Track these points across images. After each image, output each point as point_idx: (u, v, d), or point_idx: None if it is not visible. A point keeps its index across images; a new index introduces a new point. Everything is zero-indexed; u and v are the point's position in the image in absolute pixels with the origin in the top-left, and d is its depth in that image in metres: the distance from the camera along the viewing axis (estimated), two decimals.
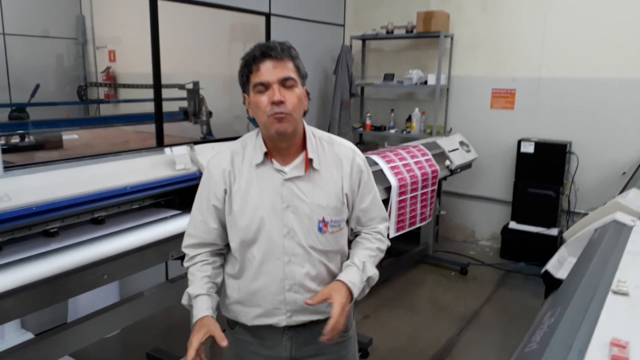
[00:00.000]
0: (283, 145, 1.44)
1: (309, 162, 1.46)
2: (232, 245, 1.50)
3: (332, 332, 1.38)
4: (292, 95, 1.38)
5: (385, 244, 1.61)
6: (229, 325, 1.60)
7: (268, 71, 1.35)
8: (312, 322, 1.52)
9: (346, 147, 1.55)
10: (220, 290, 1.57)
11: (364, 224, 1.58)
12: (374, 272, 1.51)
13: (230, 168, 1.46)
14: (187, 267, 1.53)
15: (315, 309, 1.49)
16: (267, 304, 1.47)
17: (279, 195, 1.44)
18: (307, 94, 1.46)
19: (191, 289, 1.48)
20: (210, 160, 1.52)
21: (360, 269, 1.48)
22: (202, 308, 1.44)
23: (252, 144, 1.48)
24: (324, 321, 1.51)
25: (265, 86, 1.36)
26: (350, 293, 1.43)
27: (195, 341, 1.37)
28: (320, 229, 1.46)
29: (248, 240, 1.45)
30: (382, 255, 1.60)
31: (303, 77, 1.43)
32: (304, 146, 1.48)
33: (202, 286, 1.47)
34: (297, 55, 1.42)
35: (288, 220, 1.44)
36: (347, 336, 1.63)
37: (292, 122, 1.39)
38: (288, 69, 1.38)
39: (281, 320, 1.48)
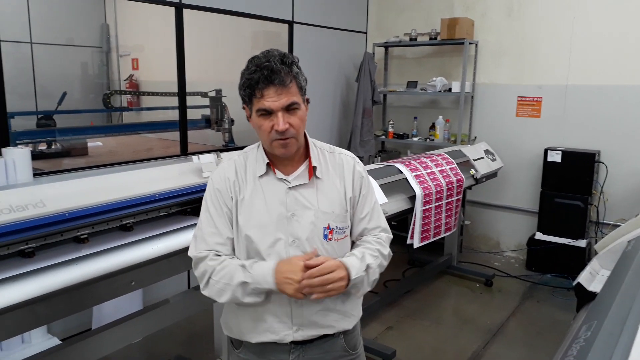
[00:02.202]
0: (286, 158, 1.46)
1: (312, 170, 1.47)
2: (242, 259, 1.46)
3: (312, 274, 1.32)
4: (296, 118, 1.38)
5: (387, 250, 1.55)
6: (234, 345, 1.57)
7: (272, 99, 1.34)
8: (319, 339, 1.49)
9: (347, 155, 1.57)
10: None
11: (364, 234, 1.55)
12: (373, 263, 1.46)
13: (235, 179, 1.46)
14: (208, 268, 1.41)
15: (323, 323, 1.47)
16: (273, 317, 1.44)
17: (283, 205, 1.44)
18: (308, 101, 1.46)
19: (241, 263, 1.39)
20: (214, 172, 1.52)
21: (359, 257, 1.44)
22: (267, 263, 1.39)
23: (254, 155, 1.49)
24: (331, 337, 1.51)
25: (269, 112, 1.36)
26: (348, 272, 1.38)
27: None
28: (325, 236, 1.45)
29: (253, 252, 1.43)
30: (384, 261, 1.53)
31: (304, 91, 1.43)
32: (306, 155, 1.49)
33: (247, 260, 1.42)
34: (298, 70, 1.40)
35: (293, 229, 1.43)
36: (356, 354, 1.60)
37: (295, 144, 1.41)
38: (292, 94, 1.36)
39: (287, 335, 1.45)
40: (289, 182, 1.45)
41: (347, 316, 1.53)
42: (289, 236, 1.43)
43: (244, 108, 1.46)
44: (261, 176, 1.46)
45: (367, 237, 1.55)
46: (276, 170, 1.46)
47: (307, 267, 1.34)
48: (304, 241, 1.43)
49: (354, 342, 1.59)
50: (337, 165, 1.52)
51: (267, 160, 1.45)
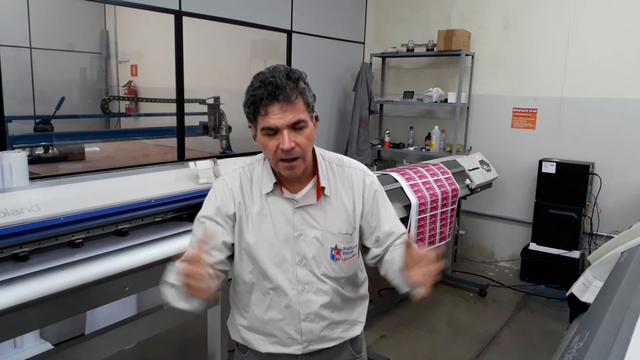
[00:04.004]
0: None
1: (320, 190, 1.42)
2: (245, 276, 1.45)
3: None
4: (302, 137, 1.31)
5: None
6: (240, 349, 1.56)
7: (277, 116, 1.27)
8: (327, 348, 1.50)
9: (356, 168, 1.50)
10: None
11: (385, 242, 1.50)
12: None
13: (240, 193, 1.42)
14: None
15: (332, 336, 1.48)
16: (282, 333, 1.44)
17: (290, 224, 1.41)
18: (317, 119, 1.40)
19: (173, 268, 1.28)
20: (218, 181, 1.46)
21: None
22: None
23: (260, 170, 1.44)
24: (338, 346, 1.52)
25: (274, 130, 1.29)
26: None
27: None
28: (333, 257, 1.43)
29: (261, 270, 1.42)
30: None
31: (312, 108, 1.36)
32: (314, 171, 1.44)
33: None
34: (305, 86, 1.33)
35: (300, 248, 1.41)
36: (361, 357, 1.62)
37: (302, 164, 1.35)
38: (298, 111, 1.29)
39: (297, 349, 1.46)
40: (297, 202, 1.41)
41: (355, 324, 1.55)
42: (295, 256, 1.41)
43: (249, 127, 1.39)
44: (268, 194, 1.41)
45: (396, 244, 1.49)
46: (284, 190, 1.41)
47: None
48: (311, 261, 1.41)
49: (359, 346, 1.61)
50: (346, 180, 1.47)
51: (274, 180, 1.40)
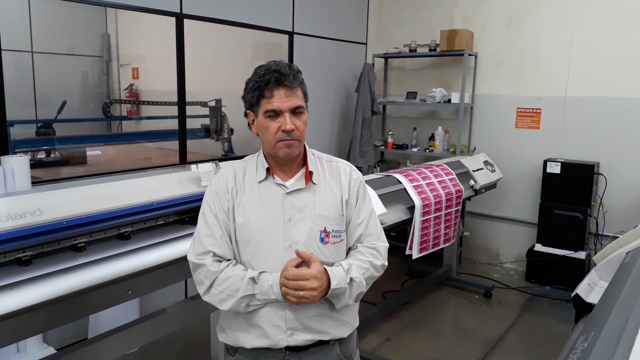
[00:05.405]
0: (286, 164, 1.51)
1: (309, 175, 1.51)
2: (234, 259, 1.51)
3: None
4: (300, 121, 1.45)
5: (381, 262, 1.55)
6: (229, 352, 1.58)
7: (281, 99, 1.42)
8: (314, 346, 1.49)
9: (344, 164, 1.62)
10: None
11: (361, 240, 1.57)
12: (358, 277, 1.46)
13: (233, 184, 1.51)
14: (210, 275, 1.44)
15: (318, 328, 1.47)
16: (268, 321, 1.45)
17: (280, 209, 1.47)
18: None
19: (244, 275, 1.42)
20: (214, 177, 1.57)
21: (345, 269, 1.45)
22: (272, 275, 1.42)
23: (254, 162, 1.55)
24: (327, 344, 1.51)
25: (277, 113, 1.42)
26: (329, 280, 1.40)
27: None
28: (322, 240, 1.48)
29: (249, 255, 1.46)
30: (375, 273, 1.53)
31: (307, 100, 1.50)
32: (304, 162, 1.55)
33: (252, 270, 1.44)
34: (303, 79, 1.49)
35: (290, 233, 1.46)
36: None
37: (298, 146, 1.48)
38: (298, 97, 1.45)
39: (281, 340, 1.45)
40: (287, 187, 1.49)
41: (343, 324, 1.53)
42: (285, 240, 1.45)
43: (246, 114, 1.52)
44: (260, 182, 1.50)
45: (362, 247, 1.55)
46: (275, 176, 1.50)
47: (296, 264, 1.39)
48: (301, 245, 1.45)
49: (349, 351, 1.59)
50: (334, 172, 1.57)
51: (267, 165, 1.50)
